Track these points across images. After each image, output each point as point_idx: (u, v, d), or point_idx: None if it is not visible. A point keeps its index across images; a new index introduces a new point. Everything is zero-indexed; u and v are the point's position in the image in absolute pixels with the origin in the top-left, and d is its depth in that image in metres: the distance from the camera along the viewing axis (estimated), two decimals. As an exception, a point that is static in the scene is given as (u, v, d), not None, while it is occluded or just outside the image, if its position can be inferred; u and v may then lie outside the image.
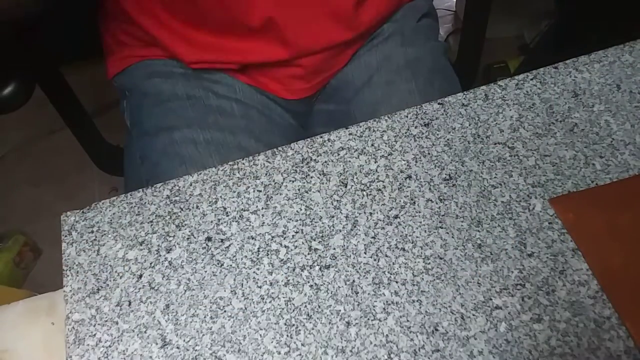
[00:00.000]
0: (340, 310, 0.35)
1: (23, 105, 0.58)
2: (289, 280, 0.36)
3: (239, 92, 0.60)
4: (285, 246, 0.37)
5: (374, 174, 0.40)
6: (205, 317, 0.35)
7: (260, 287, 0.36)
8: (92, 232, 0.39)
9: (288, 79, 0.60)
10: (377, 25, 0.62)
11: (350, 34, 0.58)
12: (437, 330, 0.33)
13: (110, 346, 0.35)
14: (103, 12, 0.63)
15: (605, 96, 0.42)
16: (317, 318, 0.34)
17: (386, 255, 0.36)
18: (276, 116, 0.62)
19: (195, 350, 0.34)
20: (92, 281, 0.37)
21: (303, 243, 0.37)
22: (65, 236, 0.39)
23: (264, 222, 0.38)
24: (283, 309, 0.35)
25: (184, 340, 0.34)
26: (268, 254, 0.37)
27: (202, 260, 0.37)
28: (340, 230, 0.37)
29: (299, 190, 0.39)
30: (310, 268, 0.36)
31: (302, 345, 0.34)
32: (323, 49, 0.57)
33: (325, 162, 0.41)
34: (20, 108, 0.58)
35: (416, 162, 0.40)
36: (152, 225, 0.39)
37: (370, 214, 0.38)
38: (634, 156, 0.39)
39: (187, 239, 0.38)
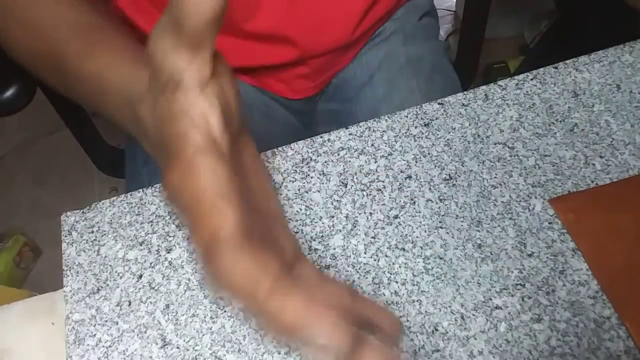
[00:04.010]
0: (340, 310, 0.34)
1: (25, 107, 0.58)
2: (289, 280, 0.36)
3: (241, 93, 0.60)
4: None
5: (374, 174, 0.40)
6: (205, 317, 0.35)
7: (260, 287, 0.36)
8: (92, 232, 0.39)
9: (293, 78, 0.60)
10: (380, 23, 0.62)
11: (358, 33, 0.58)
12: (437, 330, 0.33)
13: (110, 346, 0.35)
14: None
15: (605, 96, 0.42)
16: (317, 318, 0.34)
17: (386, 255, 0.36)
18: (279, 117, 0.62)
19: (195, 350, 0.34)
20: (92, 281, 0.37)
21: (303, 243, 0.37)
22: (65, 236, 0.39)
23: (264, 222, 0.38)
24: (283, 309, 0.35)
25: (184, 340, 0.34)
26: (268, 254, 0.37)
27: (202, 260, 0.37)
28: (340, 230, 0.37)
29: (299, 190, 0.39)
30: (310, 268, 0.36)
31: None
32: (331, 50, 0.57)
33: (325, 162, 0.41)
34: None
35: (416, 162, 0.40)
36: (152, 225, 0.39)
37: (370, 214, 0.38)
38: (634, 156, 0.39)
39: (187, 239, 0.38)
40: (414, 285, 0.35)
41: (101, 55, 0.35)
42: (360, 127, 0.42)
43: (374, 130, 0.42)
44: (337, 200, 0.39)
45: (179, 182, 0.23)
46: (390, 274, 0.35)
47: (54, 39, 0.37)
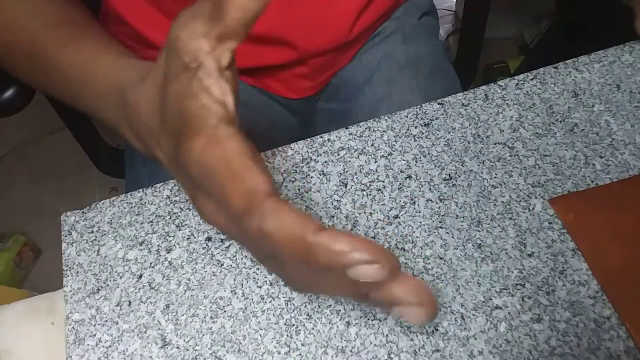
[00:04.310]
0: (340, 310, 0.35)
1: (24, 107, 0.58)
2: (289, 280, 0.36)
3: (240, 93, 0.59)
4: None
5: (374, 174, 0.40)
6: (205, 317, 0.35)
7: (260, 287, 0.36)
8: (92, 232, 0.39)
9: (293, 78, 0.60)
10: (379, 22, 0.62)
11: (355, 32, 0.58)
12: (437, 330, 0.33)
13: (110, 346, 0.35)
14: (102, 12, 0.62)
15: (605, 96, 0.42)
16: (317, 318, 0.34)
17: (386, 255, 0.36)
18: (279, 117, 0.62)
19: (195, 350, 0.34)
20: (92, 281, 0.37)
21: (303, 243, 0.37)
22: (65, 236, 0.39)
23: (264, 222, 0.38)
24: (283, 308, 0.35)
25: (184, 340, 0.34)
26: (268, 254, 0.37)
27: (202, 260, 0.37)
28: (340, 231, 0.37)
29: (299, 190, 0.39)
30: (310, 268, 0.36)
31: (302, 345, 0.34)
32: (329, 49, 0.57)
33: (325, 162, 0.41)
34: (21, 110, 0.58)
35: (416, 162, 0.40)
36: (152, 225, 0.39)
37: (370, 214, 0.38)
38: (634, 156, 0.39)
39: (187, 239, 0.38)
40: (414, 285, 0.35)
41: (83, 45, 0.36)
42: (360, 127, 0.42)
43: (374, 130, 0.42)
44: (337, 200, 0.39)
45: (204, 149, 0.24)
46: (390, 274, 0.35)
47: (30, 30, 0.38)
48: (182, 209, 0.39)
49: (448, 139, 0.41)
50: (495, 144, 0.40)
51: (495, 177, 0.39)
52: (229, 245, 0.38)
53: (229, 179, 0.24)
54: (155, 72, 0.28)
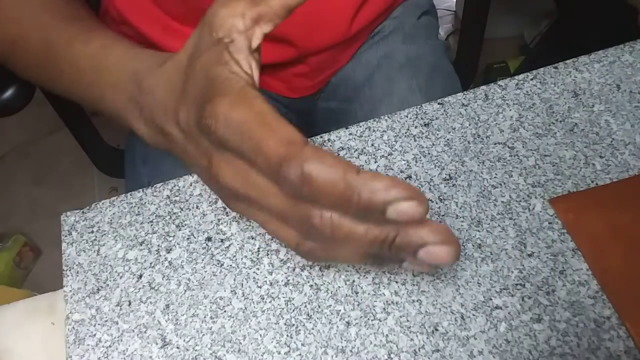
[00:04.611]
0: (340, 310, 0.35)
1: (24, 107, 0.58)
2: (289, 280, 0.36)
3: None
4: (286, 246, 0.37)
5: (374, 174, 0.40)
6: (205, 317, 0.35)
7: (260, 287, 0.36)
8: (92, 232, 0.39)
9: (292, 77, 0.60)
10: (378, 21, 0.62)
11: (354, 30, 0.58)
12: (437, 330, 0.33)
13: (110, 346, 0.35)
14: (101, 12, 0.62)
15: (605, 96, 0.42)
16: (317, 318, 0.34)
17: (386, 255, 0.36)
18: None
19: (195, 350, 0.34)
20: (92, 281, 0.37)
21: (303, 243, 0.37)
22: (65, 236, 0.39)
23: (264, 222, 0.38)
24: (283, 309, 0.35)
25: (184, 340, 0.34)
26: (268, 254, 0.37)
27: (202, 260, 0.37)
28: (340, 230, 0.37)
29: (299, 190, 0.39)
30: (311, 268, 0.36)
31: (302, 345, 0.34)
32: (329, 47, 0.57)
33: (325, 162, 0.41)
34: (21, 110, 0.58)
35: (416, 162, 0.40)
36: (152, 225, 0.39)
37: (370, 214, 0.38)
38: (634, 156, 0.39)
39: (187, 239, 0.38)
40: (414, 285, 0.35)
41: (93, 37, 0.37)
42: (360, 127, 0.42)
43: (374, 130, 0.42)
44: (337, 200, 0.39)
45: (233, 106, 0.25)
46: (390, 274, 0.35)
47: (39, 24, 0.38)
48: (182, 209, 0.39)
49: (448, 139, 0.41)
50: (495, 144, 0.40)
51: (495, 177, 0.39)
52: (229, 245, 0.38)
53: (264, 131, 0.24)
54: (179, 55, 0.30)
